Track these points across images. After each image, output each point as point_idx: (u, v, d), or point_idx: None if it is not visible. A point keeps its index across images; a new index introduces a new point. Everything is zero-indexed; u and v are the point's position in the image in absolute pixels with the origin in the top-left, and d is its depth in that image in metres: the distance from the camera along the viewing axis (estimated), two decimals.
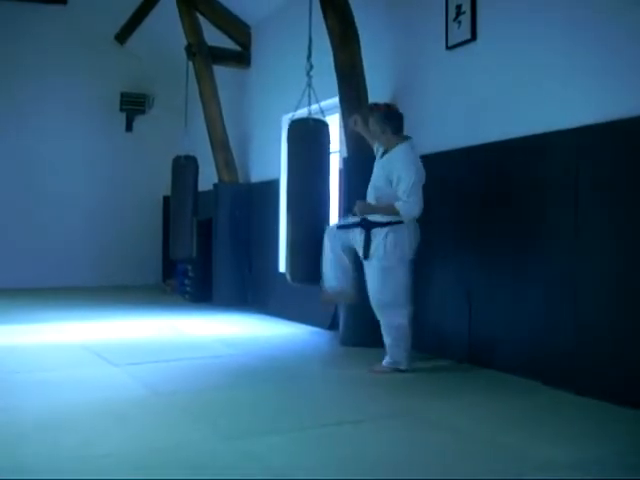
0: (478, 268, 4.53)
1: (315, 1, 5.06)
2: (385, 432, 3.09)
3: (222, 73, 8.07)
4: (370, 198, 4.33)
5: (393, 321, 4.23)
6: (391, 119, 4.36)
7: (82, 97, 9.84)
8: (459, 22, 4.72)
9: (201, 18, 7.88)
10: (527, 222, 4.17)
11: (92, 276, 9.75)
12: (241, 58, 8.19)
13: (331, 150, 5.03)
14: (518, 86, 4.28)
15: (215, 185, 8.08)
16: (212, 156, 8.04)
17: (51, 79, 9.62)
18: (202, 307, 7.73)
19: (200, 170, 7.74)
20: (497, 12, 4.48)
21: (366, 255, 4.27)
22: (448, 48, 4.84)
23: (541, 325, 4.03)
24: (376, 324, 4.37)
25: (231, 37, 8.18)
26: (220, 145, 8.00)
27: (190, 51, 7.74)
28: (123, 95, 9.97)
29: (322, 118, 4.94)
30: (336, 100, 5.50)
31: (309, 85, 4.94)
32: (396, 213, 4.15)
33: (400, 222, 4.19)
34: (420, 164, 4.22)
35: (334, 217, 5.20)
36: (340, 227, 4.48)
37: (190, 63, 7.82)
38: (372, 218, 4.25)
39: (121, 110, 10.04)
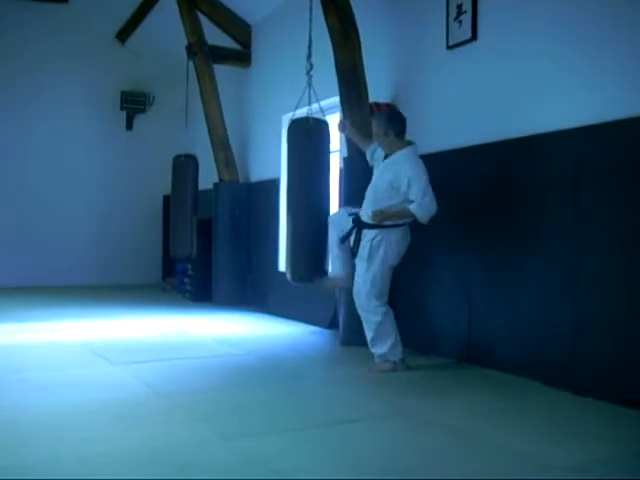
0: (478, 268, 4.53)
1: (315, 0, 5.06)
2: (385, 431, 3.09)
3: (222, 72, 8.07)
4: (369, 199, 4.34)
5: (372, 317, 4.30)
6: (394, 122, 4.36)
7: (82, 96, 9.83)
8: (460, 22, 4.72)
9: (202, 17, 7.88)
10: (527, 222, 4.17)
11: (92, 275, 9.75)
12: (241, 57, 8.19)
13: (331, 149, 5.03)
14: (518, 86, 4.28)
15: (215, 184, 8.08)
16: (212, 155, 8.04)
17: (51, 78, 9.61)
18: (202, 306, 7.73)
19: (200, 169, 7.73)
20: (498, 12, 4.48)
21: (354, 253, 4.36)
22: (449, 48, 4.84)
23: (541, 325, 4.04)
24: None
25: (231, 36, 8.18)
26: (220, 144, 8.00)
27: (190, 50, 7.74)
28: (123, 94, 9.97)
29: (322, 117, 4.94)
30: (336, 99, 5.50)
31: (309, 84, 4.93)
32: (411, 216, 4.18)
33: (393, 226, 4.24)
34: (425, 168, 4.23)
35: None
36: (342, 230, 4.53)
37: (190, 62, 7.83)
38: (366, 219, 4.31)
39: (121, 109, 10.04)
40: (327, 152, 4.87)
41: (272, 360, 4.71)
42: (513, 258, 4.27)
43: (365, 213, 4.35)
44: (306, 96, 4.92)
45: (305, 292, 6.23)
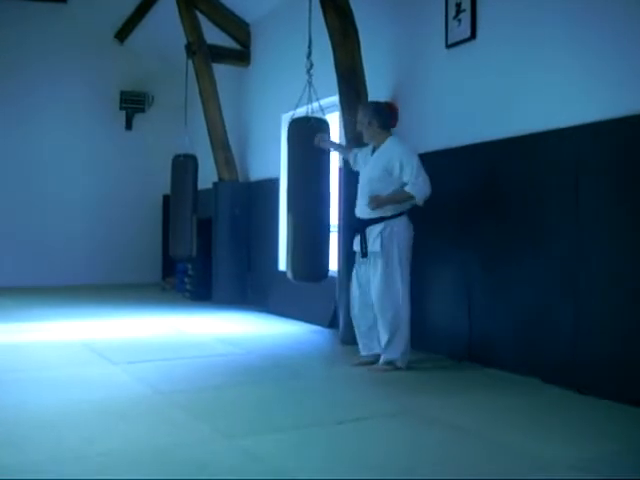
0: (478, 267, 4.53)
1: None
2: (385, 430, 3.09)
3: (222, 71, 8.06)
4: (364, 194, 4.34)
5: (392, 316, 4.25)
6: (380, 113, 4.43)
7: (82, 96, 9.83)
8: (459, 20, 4.72)
9: (201, 16, 7.87)
10: (527, 220, 4.17)
11: (92, 274, 9.75)
12: (241, 56, 8.19)
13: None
14: (518, 84, 4.28)
15: (215, 183, 8.08)
16: (212, 154, 8.04)
17: (50, 77, 9.60)
18: (202, 305, 7.73)
19: (200, 168, 7.73)
20: (497, 10, 4.47)
21: (364, 252, 4.30)
22: (448, 46, 4.84)
23: (541, 323, 4.04)
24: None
25: (231, 35, 8.18)
26: (220, 143, 8.00)
27: (190, 49, 7.73)
28: (123, 94, 9.96)
29: (322, 116, 4.94)
30: (336, 98, 5.50)
31: (309, 83, 4.94)
32: (410, 197, 4.21)
33: (395, 216, 4.24)
34: (416, 152, 4.31)
35: (334, 215, 5.19)
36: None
37: (190, 61, 7.82)
38: (367, 215, 4.29)
39: (121, 109, 10.03)
40: (327, 151, 4.88)
41: (273, 359, 4.71)
42: (513, 257, 4.27)
43: (364, 211, 4.35)
44: (306, 95, 4.93)
45: (305, 291, 6.24)
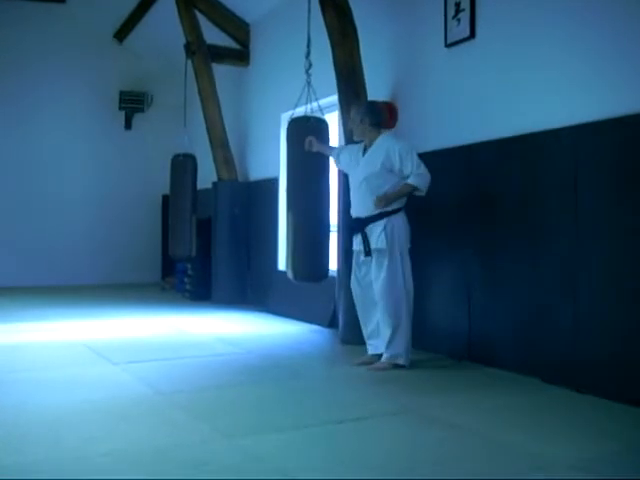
0: (478, 266, 4.53)
1: None
2: (386, 430, 3.09)
3: (221, 71, 8.06)
4: (363, 192, 4.34)
5: (396, 311, 4.25)
6: (373, 112, 4.45)
7: (81, 96, 9.82)
8: (458, 20, 4.72)
9: (200, 16, 7.87)
10: (527, 220, 4.17)
11: (92, 274, 9.75)
12: (240, 56, 8.18)
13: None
14: (517, 84, 4.28)
15: (214, 183, 8.07)
16: (211, 154, 8.04)
17: (50, 77, 9.60)
18: (202, 305, 7.73)
19: (199, 168, 7.73)
20: (496, 10, 4.47)
21: (368, 252, 4.29)
22: (447, 46, 4.84)
23: (541, 323, 4.04)
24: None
25: (230, 35, 8.17)
26: (219, 143, 8.00)
27: (189, 49, 7.73)
28: (122, 93, 9.95)
29: (321, 116, 4.94)
30: (335, 98, 5.49)
31: (308, 83, 4.94)
32: (414, 189, 4.23)
33: (395, 212, 4.25)
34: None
35: (333, 215, 5.19)
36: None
37: (189, 61, 7.82)
38: (365, 214, 4.28)
39: (120, 108, 10.02)
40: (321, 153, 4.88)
41: (272, 359, 4.71)
42: (513, 256, 4.27)
43: (363, 210, 4.34)
44: (305, 94, 4.94)
45: (305, 291, 6.24)
